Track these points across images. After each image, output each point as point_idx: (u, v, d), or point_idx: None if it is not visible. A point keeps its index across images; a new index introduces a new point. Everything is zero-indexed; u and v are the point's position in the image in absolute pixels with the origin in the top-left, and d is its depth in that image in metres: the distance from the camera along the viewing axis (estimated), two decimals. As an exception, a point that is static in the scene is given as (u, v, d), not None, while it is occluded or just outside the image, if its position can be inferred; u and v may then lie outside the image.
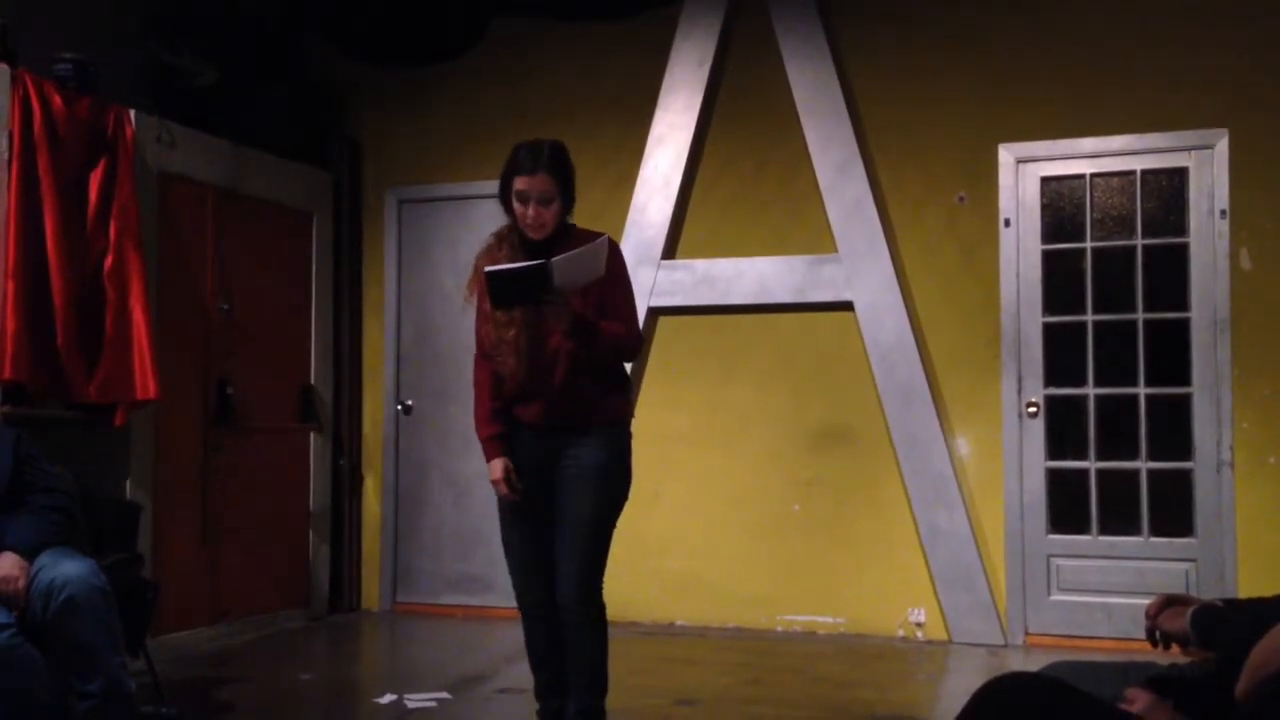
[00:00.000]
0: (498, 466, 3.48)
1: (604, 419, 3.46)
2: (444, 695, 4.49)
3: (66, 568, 3.25)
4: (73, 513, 3.59)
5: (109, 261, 4.81)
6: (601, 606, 3.49)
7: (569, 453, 3.43)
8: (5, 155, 4.49)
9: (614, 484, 3.48)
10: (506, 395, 3.52)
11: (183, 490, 5.39)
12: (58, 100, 4.68)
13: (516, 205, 3.40)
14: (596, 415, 3.45)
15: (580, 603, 3.42)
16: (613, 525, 3.50)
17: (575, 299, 3.30)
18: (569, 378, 3.41)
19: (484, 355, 3.55)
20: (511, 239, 3.48)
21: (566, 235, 3.46)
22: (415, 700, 4.40)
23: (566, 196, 3.45)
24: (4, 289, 4.45)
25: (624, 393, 3.58)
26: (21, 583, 3.22)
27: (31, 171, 4.55)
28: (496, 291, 3.22)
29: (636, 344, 3.55)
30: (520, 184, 3.38)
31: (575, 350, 3.37)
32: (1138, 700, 1.88)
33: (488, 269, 3.23)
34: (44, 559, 3.30)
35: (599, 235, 3.45)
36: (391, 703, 4.39)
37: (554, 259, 3.15)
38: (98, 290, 4.79)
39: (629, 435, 3.57)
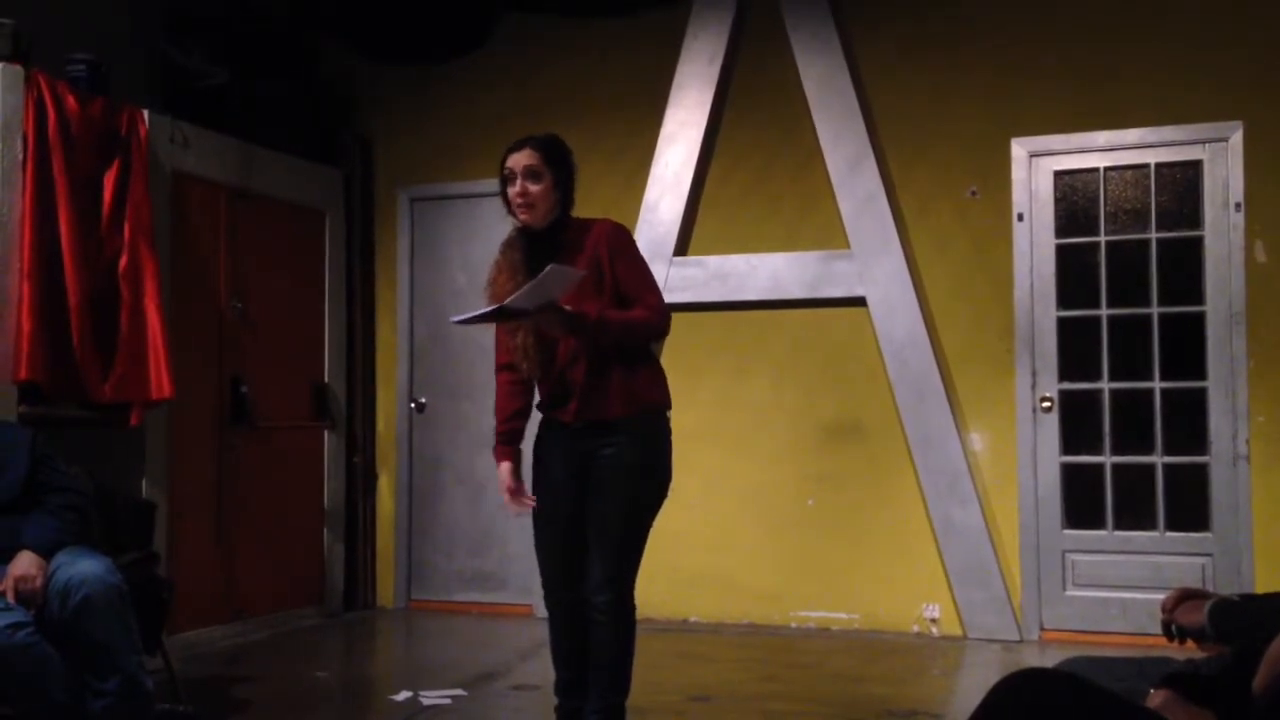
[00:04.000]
0: (504, 473, 3.46)
1: (638, 410, 3.36)
2: (459, 692, 4.50)
3: (83, 566, 3.27)
4: (88, 512, 3.61)
5: (123, 261, 4.83)
6: (631, 607, 3.41)
7: (604, 451, 3.34)
8: (20, 156, 4.51)
9: (649, 481, 3.40)
10: (540, 402, 3.48)
11: (198, 489, 5.41)
12: (71, 101, 4.70)
13: (508, 189, 3.34)
14: (630, 407, 3.34)
15: (610, 602, 3.34)
16: (648, 524, 3.42)
17: (587, 300, 3.24)
18: (593, 371, 3.33)
19: (501, 366, 3.51)
20: (517, 241, 3.41)
21: (565, 227, 3.38)
22: (430, 697, 4.41)
23: (561, 183, 3.35)
24: (19, 290, 4.47)
25: (656, 379, 3.47)
26: (39, 581, 3.24)
27: (46, 172, 4.57)
28: (478, 322, 3.22)
29: (662, 323, 3.41)
30: (508, 163, 3.35)
31: (593, 352, 3.31)
32: (1155, 698, 1.87)
33: (452, 319, 3.22)
34: (60, 558, 3.32)
35: (597, 223, 3.38)
36: (407, 700, 4.40)
37: (510, 298, 3.08)
38: (112, 290, 4.81)
39: (667, 426, 3.46)
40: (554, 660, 3.53)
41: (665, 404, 3.49)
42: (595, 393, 3.34)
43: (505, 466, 3.47)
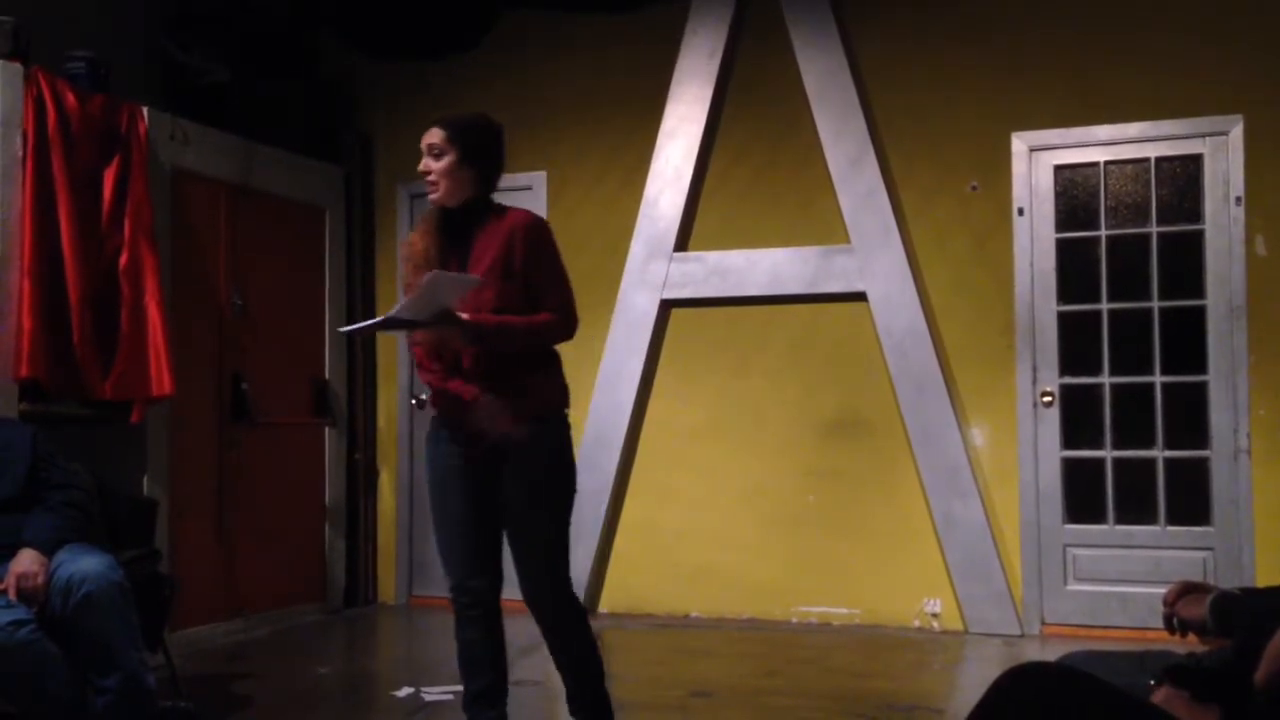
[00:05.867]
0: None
1: (537, 410, 3.21)
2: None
3: (85, 563, 3.27)
4: (90, 509, 3.62)
5: (123, 259, 4.83)
6: (574, 600, 3.32)
7: (507, 453, 3.18)
8: (20, 154, 4.50)
9: (559, 482, 3.27)
10: (434, 377, 3.30)
11: (199, 486, 5.41)
12: (71, 98, 4.69)
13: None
14: (529, 406, 3.18)
15: (555, 606, 3.26)
16: (567, 521, 3.29)
17: (490, 289, 3.11)
18: (483, 360, 3.17)
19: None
20: (434, 215, 3.31)
21: (487, 209, 3.27)
22: (432, 693, 4.41)
23: (471, 161, 3.22)
24: (20, 287, 4.47)
25: (552, 376, 3.31)
26: (40, 579, 3.24)
27: (46, 170, 4.56)
28: (367, 331, 3.14)
29: (567, 326, 3.26)
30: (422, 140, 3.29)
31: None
32: (1158, 693, 1.88)
33: (341, 329, 3.18)
34: (62, 555, 3.32)
35: (515, 211, 3.27)
36: (408, 696, 4.40)
37: (396, 308, 3.02)
38: (113, 287, 4.81)
39: (567, 425, 3.33)
40: (464, 670, 3.33)
41: (563, 403, 3.33)
42: (490, 388, 3.15)
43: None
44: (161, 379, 4.86)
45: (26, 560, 3.26)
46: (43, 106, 4.56)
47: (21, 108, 4.51)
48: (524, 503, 3.22)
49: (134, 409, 4.84)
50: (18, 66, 4.52)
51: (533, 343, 3.23)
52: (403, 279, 3.38)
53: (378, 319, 3.12)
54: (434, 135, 3.24)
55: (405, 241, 3.37)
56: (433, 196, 3.26)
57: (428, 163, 3.24)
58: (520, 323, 3.17)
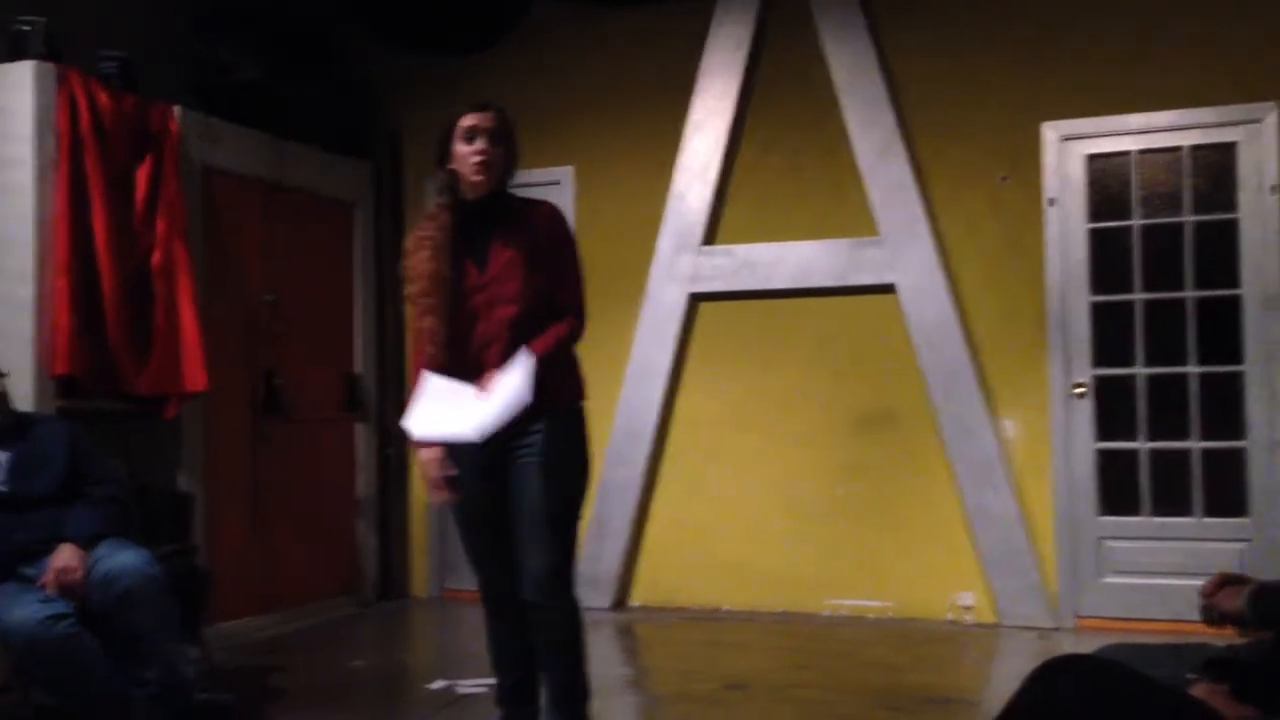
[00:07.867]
0: (432, 462, 3.19)
1: (553, 401, 3.15)
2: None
3: (123, 558, 3.32)
4: (128, 504, 3.66)
5: (157, 256, 4.87)
6: (574, 602, 3.23)
7: (522, 443, 3.15)
8: (54, 154, 4.55)
9: (573, 473, 3.23)
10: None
11: (233, 480, 5.46)
12: (103, 98, 4.73)
13: (462, 147, 3.13)
14: (547, 399, 3.11)
15: (551, 601, 3.17)
16: (577, 516, 3.25)
17: (516, 280, 3.12)
18: (507, 357, 3.11)
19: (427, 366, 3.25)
20: (441, 216, 3.20)
21: (506, 201, 3.22)
22: (466, 686, 4.43)
23: (511, 154, 3.22)
24: (55, 285, 4.52)
25: (570, 369, 3.29)
26: (80, 573, 3.29)
27: (80, 169, 4.61)
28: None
29: (582, 328, 3.27)
30: (469, 120, 3.14)
31: (513, 336, 3.14)
32: (1199, 688, 1.87)
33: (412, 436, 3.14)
34: (101, 550, 3.37)
35: (539, 203, 3.24)
36: (442, 689, 4.43)
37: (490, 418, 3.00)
38: (146, 285, 4.85)
39: (584, 418, 3.29)
40: (496, 665, 3.37)
41: (580, 395, 3.30)
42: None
43: (432, 453, 3.20)
44: (195, 374, 4.90)
45: (66, 555, 3.31)
46: (75, 107, 4.60)
47: (55, 108, 4.55)
48: (533, 489, 3.15)
49: (168, 404, 4.88)
50: (50, 67, 4.57)
51: (562, 350, 3.22)
52: (408, 291, 3.27)
53: (464, 436, 3.06)
54: (490, 119, 3.16)
55: (405, 250, 3.27)
56: (477, 179, 3.14)
57: (489, 148, 3.13)
58: (551, 346, 3.15)
